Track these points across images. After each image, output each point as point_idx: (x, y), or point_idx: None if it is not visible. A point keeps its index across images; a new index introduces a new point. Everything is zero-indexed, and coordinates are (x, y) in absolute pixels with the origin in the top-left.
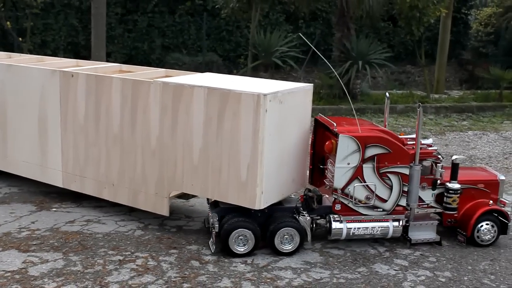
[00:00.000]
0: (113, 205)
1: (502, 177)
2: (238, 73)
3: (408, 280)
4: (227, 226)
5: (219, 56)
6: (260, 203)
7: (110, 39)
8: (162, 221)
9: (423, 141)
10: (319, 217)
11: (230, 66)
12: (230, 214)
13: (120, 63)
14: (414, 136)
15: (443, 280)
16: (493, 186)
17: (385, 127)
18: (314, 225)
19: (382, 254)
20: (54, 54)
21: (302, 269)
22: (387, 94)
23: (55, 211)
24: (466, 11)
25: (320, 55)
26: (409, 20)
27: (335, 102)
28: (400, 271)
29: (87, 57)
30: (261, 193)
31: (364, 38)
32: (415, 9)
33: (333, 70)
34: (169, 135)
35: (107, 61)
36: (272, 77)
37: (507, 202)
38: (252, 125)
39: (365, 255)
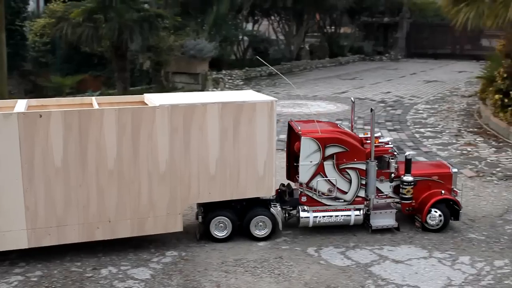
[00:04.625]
0: None
1: (455, 170)
2: None
3: None
4: (209, 216)
5: None
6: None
7: None
8: None
9: (381, 140)
10: (291, 208)
11: None
12: (214, 207)
13: None
14: (377, 135)
15: (35, 279)
16: (447, 178)
17: (351, 129)
18: (287, 215)
19: None
20: None
21: None
22: (352, 98)
23: None
24: (20, 23)
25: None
26: None
27: None
28: None
29: None
30: (275, 182)
31: None
32: None
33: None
34: (182, 154)
35: None
36: None
37: (459, 191)
38: (267, 127)
39: None
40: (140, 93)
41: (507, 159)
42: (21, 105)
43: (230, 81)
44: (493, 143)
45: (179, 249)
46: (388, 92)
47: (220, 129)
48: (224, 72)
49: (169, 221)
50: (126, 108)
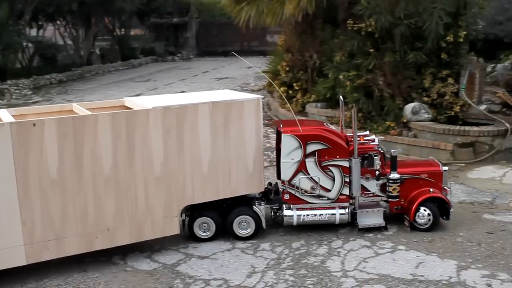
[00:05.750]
0: None
1: (445, 168)
2: None
3: None
4: (193, 215)
5: None
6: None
7: None
8: None
9: (366, 138)
10: (278, 207)
11: None
12: (199, 206)
13: None
14: (364, 133)
15: None
16: (437, 176)
17: (341, 127)
18: (273, 214)
19: None
20: None
21: None
22: (341, 97)
23: None
24: None
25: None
26: None
27: None
28: None
29: None
30: (264, 178)
31: None
32: None
33: None
34: (175, 156)
35: None
36: None
37: (448, 189)
38: (254, 124)
39: None
40: None
41: None
42: (6, 115)
43: (17, 91)
44: None
45: None
46: (182, 92)
47: (211, 128)
48: (9, 82)
49: (167, 224)
50: (120, 112)
